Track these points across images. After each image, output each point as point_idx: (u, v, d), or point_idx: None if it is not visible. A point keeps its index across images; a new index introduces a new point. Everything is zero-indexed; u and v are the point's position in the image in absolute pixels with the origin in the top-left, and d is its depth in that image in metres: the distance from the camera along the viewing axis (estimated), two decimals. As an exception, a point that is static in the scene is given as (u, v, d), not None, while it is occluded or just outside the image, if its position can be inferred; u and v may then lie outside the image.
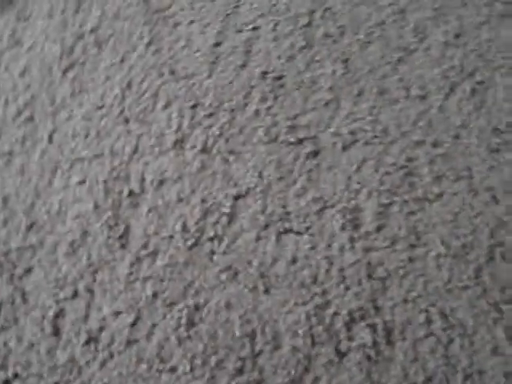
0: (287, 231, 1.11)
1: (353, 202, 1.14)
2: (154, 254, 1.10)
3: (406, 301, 1.07)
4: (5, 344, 1.11)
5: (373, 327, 1.04)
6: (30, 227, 1.21)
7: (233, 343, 1.02)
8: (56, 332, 1.10)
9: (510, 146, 1.22)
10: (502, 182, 1.17)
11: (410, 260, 1.09)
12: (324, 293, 1.06)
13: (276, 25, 1.37)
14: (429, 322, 1.04)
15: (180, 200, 1.14)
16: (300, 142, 1.20)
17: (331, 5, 1.38)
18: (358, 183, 1.16)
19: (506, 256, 1.09)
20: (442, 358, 1.01)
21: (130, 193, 1.17)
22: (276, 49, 1.33)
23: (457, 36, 1.36)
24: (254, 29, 1.36)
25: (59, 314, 1.11)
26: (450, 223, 1.13)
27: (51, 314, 1.12)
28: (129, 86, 1.29)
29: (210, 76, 1.28)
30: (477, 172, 1.19)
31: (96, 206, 1.18)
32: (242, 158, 1.17)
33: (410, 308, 1.06)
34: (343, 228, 1.12)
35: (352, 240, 1.11)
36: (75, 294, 1.12)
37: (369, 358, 1.02)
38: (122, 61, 1.33)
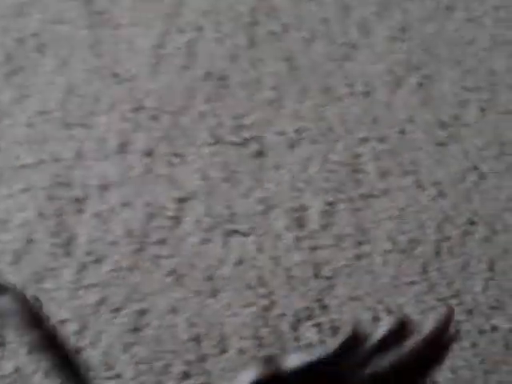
0: (233, 233, 1.10)
1: (298, 201, 1.13)
2: (98, 261, 1.08)
3: (352, 299, 1.06)
4: None
5: (319, 326, 1.03)
6: (-28, 237, 1.19)
7: (178, 347, 1.01)
8: (1, 342, 1.08)
9: (456, 139, 1.22)
10: (448, 176, 1.17)
11: (357, 257, 1.08)
12: (270, 294, 1.05)
13: (219, 25, 1.36)
14: (376, 319, 1.03)
15: (124, 204, 1.12)
16: (245, 142, 1.19)
17: (275, 3, 1.37)
18: (304, 182, 1.15)
19: (452, 251, 1.08)
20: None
21: (74, 199, 1.15)
22: (219, 49, 1.32)
23: (402, 30, 1.35)
24: (197, 29, 1.35)
25: (4, 324, 1.09)
26: (397, 219, 1.12)
27: (-6, 325, 1.10)
28: (71, 90, 1.27)
29: (152, 78, 1.26)
30: (423, 166, 1.18)
31: (39, 214, 1.16)
32: (186, 160, 1.16)
33: (357, 306, 1.05)
34: (289, 228, 1.11)
35: (298, 239, 1.10)
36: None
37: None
38: (64, 65, 1.31)
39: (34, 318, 0.51)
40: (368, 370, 0.42)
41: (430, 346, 0.42)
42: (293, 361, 0.41)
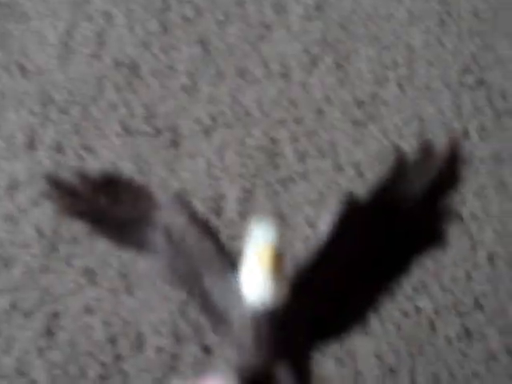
0: (147, 226, 1.07)
1: (214, 189, 1.10)
2: (8, 264, 1.04)
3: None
4: None
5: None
6: None
7: (94, 349, 0.97)
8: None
9: (375, 118, 1.19)
10: (367, 156, 1.15)
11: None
12: (188, 287, 1.02)
13: (130, 11, 1.31)
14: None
15: (34, 204, 1.08)
16: (158, 131, 1.15)
17: (186, -14, 1.33)
18: (220, 169, 1.12)
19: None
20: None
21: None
22: (130, 36, 1.27)
23: (318, 8, 1.32)
24: (107, 16, 1.30)
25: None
26: (316, 203, 1.10)
27: None
28: (-24, 87, 1.23)
29: (61, 70, 1.22)
30: (342, 147, 1.16)
31: None
32: (97, 153, 1.12)
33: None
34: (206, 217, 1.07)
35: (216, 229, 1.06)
36: None
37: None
38: (-32, 61, 1.26)
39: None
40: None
41: (448, 164, 0.44)
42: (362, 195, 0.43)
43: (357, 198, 0.44)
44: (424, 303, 1.03)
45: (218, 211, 1.08)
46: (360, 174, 1.11)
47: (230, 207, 1.08)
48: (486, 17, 1.34)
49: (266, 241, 0.44)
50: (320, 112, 1.18)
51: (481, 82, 1.25)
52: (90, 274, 1.03)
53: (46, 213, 1.07)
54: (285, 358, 0.45)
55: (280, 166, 1.12)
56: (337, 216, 0.45)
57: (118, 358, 0.97)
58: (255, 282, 0.45)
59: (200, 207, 1.08)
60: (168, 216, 0.49)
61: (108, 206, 0.50)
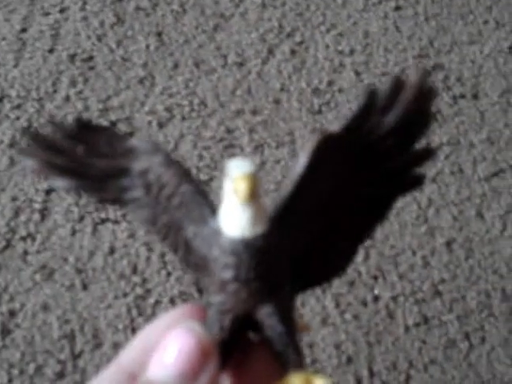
0: (104, 221, 1.06)
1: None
2: (-36, 262, 1.03)
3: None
4: None
5: (197, 311, 1.00)
6: None
7: (51, 347, 0.97)
8: None
9: (332, 106, 1.19)
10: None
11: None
12: (144, 282, 1.02)
13: (85, 3, 1.30)
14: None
15: (-11, 201, 1.07)
16: (113, 124, 1.14)
17: (141, -24, 1.32)
18: (176, 162, 1.11)
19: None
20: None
21: None
22: (85, 29, 1.26)
23: (274, -4, 1.32)
24: (62, 10, 1.29)
25: None
26: (273, 193, 1.09)
27: None
28: None
29: (16, 65, 1.21)
30: (299, 137, 1.15)
31: None
32: (53, 148, 1.11)
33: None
34: (162, 211, 1.07)
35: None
36: None
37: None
38: None
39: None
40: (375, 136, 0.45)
41: (417, 96, 0.44)
42: (334, 125, 0.43)
43: (331, 131, 0.44)
44: (382, 290, 1.03)
45: (175, 204, 1.08)
46: (317, 163, 1.11)
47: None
48: (442, 0, 1.34)
49: (242, 171, 0.43)
50: (277, 101, 1.18)
51: (437, 66, 1.25)
52: (46, 271, 1.02)
53: (5, 209, 1.06)
54: (267, 295, 0.44)
55: (237, 157, 1.11)
56: (313, 150, 0.44)
57: (75, 354, 0.96)
58: (233, 215, 0.43)
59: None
60: (145, 163, 0.47)
61: (86, 156, 0.49)
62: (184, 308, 0.48)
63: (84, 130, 0.49)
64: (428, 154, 0.47)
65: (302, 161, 0.45)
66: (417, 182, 0.48)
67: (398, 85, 0.45)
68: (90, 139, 0.49)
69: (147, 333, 0.47)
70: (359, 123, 0.45)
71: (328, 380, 0.44)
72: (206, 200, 0.47)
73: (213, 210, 0.47)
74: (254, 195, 0.42)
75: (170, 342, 0.41)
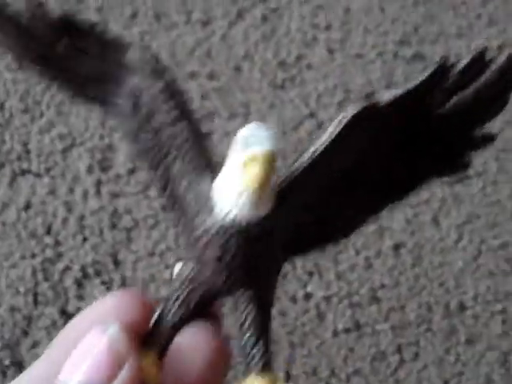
0: (24, 172, 0.97)
1: (106, 140, 1.00)
2: None
3: (151, 254, 0.94)
4: None
5: (108, 284, 0.91)
6: None
7: None
8: None
9: (297, 82, 1.09)
10: (281, 122, 1.05)
11: (163, 208, 0.96)
12: (57, 244, 0.92)
13: None
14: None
15: None
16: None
17: None
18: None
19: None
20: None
21: None
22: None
23: (255, -43, 1.21)
24: None
25: None
26: (218, 166, 1.00)
27: None
28: None
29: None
30: (255, 110, 1.06)
31: None
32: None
33: (156, 263, 0.93)
34: (90, 170, 0.98)
35: (99, 184, 0.97)
36: None
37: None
38: None
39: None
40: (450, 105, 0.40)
41: (501, 79, 0.40)
42: (386, 95, 0.39)
43: (377, 101, 0.39)
44: (315, 288, 0.94)
45: (106, 165, 0.99)
46: (269, 141, 1.01)
47: (120, 161, 0.99)
48: (434, -14, 1.24)
49: (260, 148, 0.35)
50: (238, 69, 1.08)
51: (418, 56, 1.15)
52: (-49, 218, 0.93)
53: None
54: (249, 282, 0.40)
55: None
56: (348, 121, 0.39)
57: (-34, 314, 0.87)
58: (232, 193, 0.37)
59: (86, 158, 0.98)
60: (138, 80, 0.42)
61: (69, 53, 0.42)
62: (116, 298, 0.42)
63: (70, 26, 0.43)
64: (487, 140, 0.43)
65: (330, 131, 0.40)
66: (461, 168, 0.44)
67: (479, 62, 0.40)
68: (76, 37, 0.43)
69: (71, 328, 0.42)
70: (421, 95, 0.40)
71: None
72: (205, 150, 0.44)
73: (211, 166, 0.43)
74: (267, 183, 0.36)
75: (81, 346, 0.37)
